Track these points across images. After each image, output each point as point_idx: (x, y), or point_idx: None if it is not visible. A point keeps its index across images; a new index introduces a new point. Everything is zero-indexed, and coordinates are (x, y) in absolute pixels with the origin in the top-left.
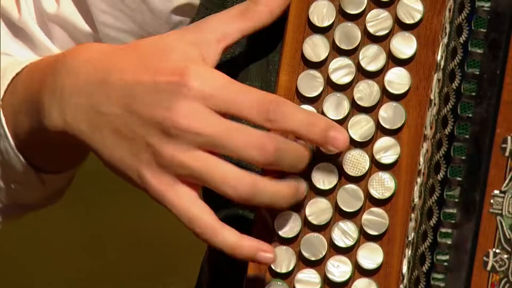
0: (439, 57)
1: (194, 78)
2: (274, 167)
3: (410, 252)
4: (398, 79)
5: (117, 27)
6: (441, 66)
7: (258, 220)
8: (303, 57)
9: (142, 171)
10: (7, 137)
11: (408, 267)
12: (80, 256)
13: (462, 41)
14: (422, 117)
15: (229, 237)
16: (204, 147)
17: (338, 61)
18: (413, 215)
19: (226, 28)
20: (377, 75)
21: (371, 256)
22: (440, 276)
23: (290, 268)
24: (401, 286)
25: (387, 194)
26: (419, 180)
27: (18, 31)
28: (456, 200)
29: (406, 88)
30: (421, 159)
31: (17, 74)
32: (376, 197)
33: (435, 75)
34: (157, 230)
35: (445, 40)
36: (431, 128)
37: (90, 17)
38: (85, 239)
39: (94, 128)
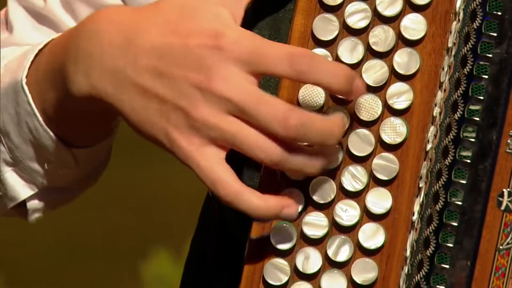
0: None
1: (229, 41)
2: (298, 141)
3: (423, 193)
4: (414, 25)
5: None
6: (461, 7)
7: (265, 168)
8: (319, 0)
9: (171, 132)
10: (35, 114)
11: (421, 206)
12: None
13: None
14: (437, 65)
15: (254, 199)
16: (233, 113)
17: (355, 5)
18: (426, 159)
19: None
20: (393, 21)
21: (379, 201)
22: (453, 215)
23: (299, 211)
24: (411, 231)
25: (398, 140)
26: (434, 123)
27: (43, 18)
28: (473, 140)
29: (422, 35)
30: (438, 101)
31: (39, 51)
32: (388, 142)
33: (453, 22)
34: (150, 192)
35: None
36: (449, 67)
37: (74, 14)
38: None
39: (121, 90)
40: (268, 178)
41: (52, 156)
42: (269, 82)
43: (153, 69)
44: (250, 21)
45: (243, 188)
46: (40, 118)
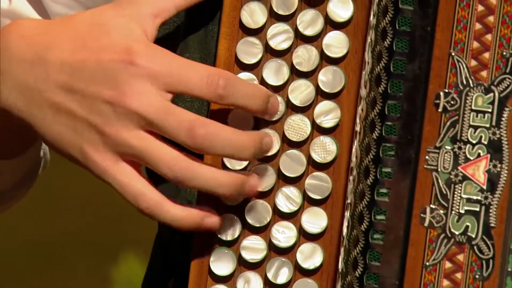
0: (371, 17)
1: (141, 56)
2: (208, 152)
3: (348, 213)
4: (336, 43)
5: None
6: (373, 25)
7: (200, 192)
8: (241, 24)
9: (85, 148)
10: None
11: (347, 227)
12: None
13: None
14: (361, 80)
15: (174, 210)
16: (144, 128)
17: (276, 27)
18: (351, 177)
19: (162, 3)
20: (315, 40)
21: (315, 220)
22: (378, 234)
23: (236, 236)
24: (341, 248)
25: (329, 158)
26: (356, 141)
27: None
28: (392, 158)
29: (345, 52)
30: (357, 120)
31: None
32: (318, 161)
33: (369, 32)
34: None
35: None
36: (365, 87)
37: (43, 10)
38: (47, 202)
39: (33, 105)
40: (203, 203)
41: None
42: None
43: (65, 85)
44: (181, 45)
45: (164, 200)
46: None
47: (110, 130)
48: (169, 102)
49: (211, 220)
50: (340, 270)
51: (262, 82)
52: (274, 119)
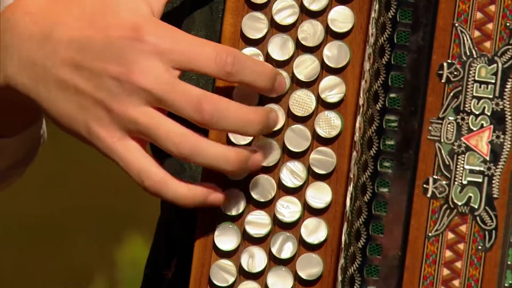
0: None
1: (149, 33)
2: (215, 127)
3: (351, 184)
4: (341, 18)
5: None
6: None
7: (205, 168)
8: None
9: (90, 124)
10: None
11: (351, 199)
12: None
13: None
14: (366, 54)
15: (179, 187)
16: (152, 104)
17: (282, 2)
18: (354, 151)
19: None
20: (320, 15)
21: (319, 195)
22: (381, 206)
23: (240, 211)
24: (344, 221)
25: (333, 133)
26: (359, 114)
27: None
28: (396, 129)
29: (350, 27)
30: (361, 93)
31: None
32: (323, 136)
33: (373, 5)
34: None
35: None
36: (369, 59)
37: None
38: (50, 181)
39: (39, 81)
40: (209, 179)
41: None
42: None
43: (72, 62)
44: (186, 22)
45: (168, 177)
46: None
47: (117, 106)
48: (177, 78)
49: (215, 196)
50: (343, 242)
51: (267, 57)
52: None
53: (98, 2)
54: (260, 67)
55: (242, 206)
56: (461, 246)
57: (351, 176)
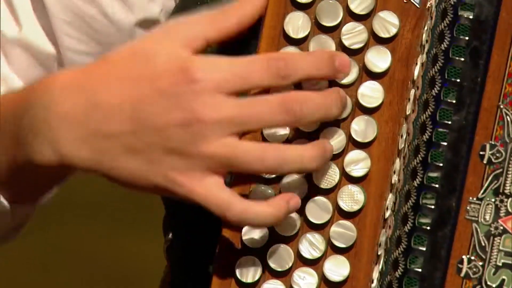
0: (418, 65)
1: (198, 70)
2: (307, 121)
3: (382, 261)
4: (371, 93)
5: (82, 50)
6: (420, 73)
7: (225, 226)
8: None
9: (170, 174)
10: None
11: (380, 274)
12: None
13: (443, 48)
14: (394, 132)
15: (261, 208)
16: (231, 132)
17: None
18: (385, 226)
19: (193, 33)
20: (350, 88)
21: (337, 268)
22: (413, 282)
23: (256, 278)
24: None
25: (356, 207)
26: (393, 189)
27: None
28: (432, 206)
29: (379, 102)
30: (397, 168)
31: None
32: (345, 209)
33: (412, 90)
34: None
35: (426, 47)
36: (408, 134)
37: (54, 39)
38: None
39: (100, 152)
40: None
41: None
42: None
43: (132, 123)
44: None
45: (247, 203)
46: None
47: (192, 150)
48: (242, 98)
49: (295, 200)
50: None
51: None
52: (344, 116)
53: (131, 55)
54: (311, 56)
55: (258, 273)
56: None
57: (380, 252)
